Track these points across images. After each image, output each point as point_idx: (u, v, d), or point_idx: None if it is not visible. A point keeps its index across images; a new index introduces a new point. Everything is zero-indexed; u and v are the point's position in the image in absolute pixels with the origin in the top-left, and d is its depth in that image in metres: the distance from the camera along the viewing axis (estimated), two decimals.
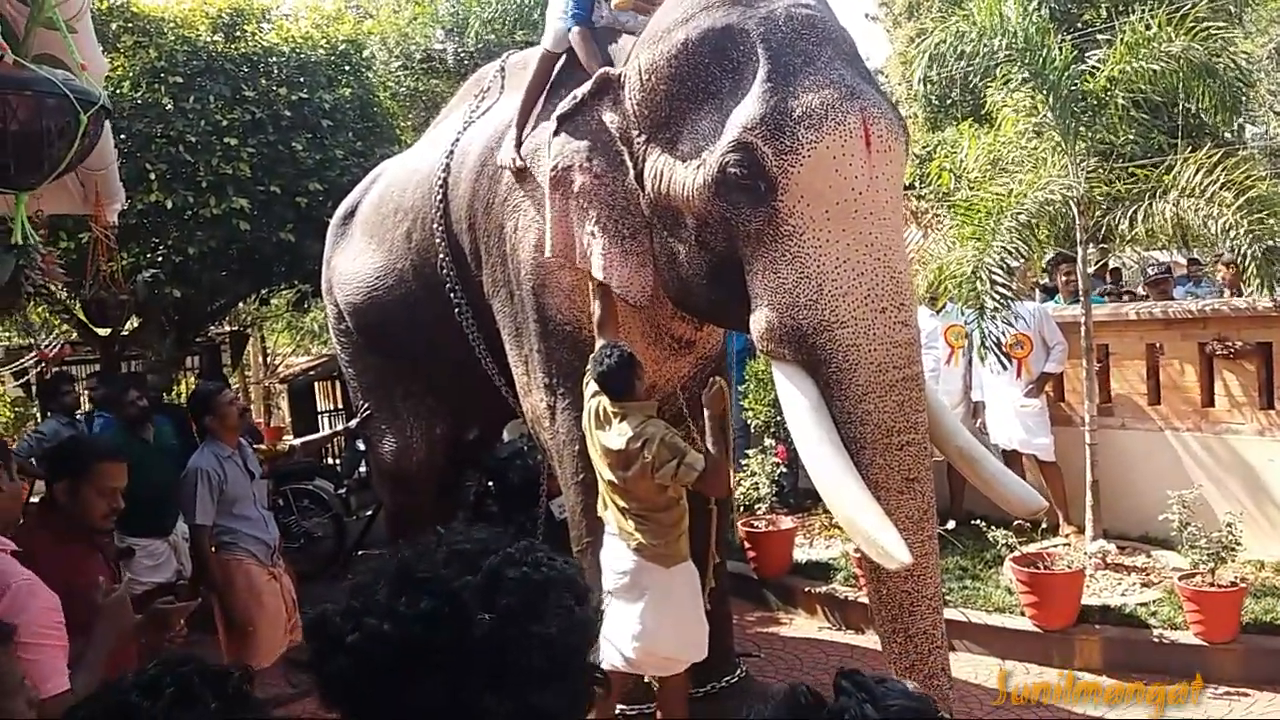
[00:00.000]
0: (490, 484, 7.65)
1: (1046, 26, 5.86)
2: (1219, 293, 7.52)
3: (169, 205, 7.23)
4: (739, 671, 4.73)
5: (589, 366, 3.84)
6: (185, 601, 2.93)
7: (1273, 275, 5.12)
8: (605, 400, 3.80)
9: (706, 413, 3.74)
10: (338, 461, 10.70)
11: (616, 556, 3.88)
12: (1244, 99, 7.03)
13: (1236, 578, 4.94)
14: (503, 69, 5.14)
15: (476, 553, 1.01)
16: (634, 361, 3.77)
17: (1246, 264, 5.15)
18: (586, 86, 3.93)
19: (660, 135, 3.67)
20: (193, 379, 10.55)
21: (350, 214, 5.86)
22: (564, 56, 4.38)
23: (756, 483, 6.68)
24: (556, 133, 3.96)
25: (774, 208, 3.32)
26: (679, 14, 3.62)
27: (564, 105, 3.97)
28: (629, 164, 3.82)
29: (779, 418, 6.94)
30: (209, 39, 7.74)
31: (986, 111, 6.90)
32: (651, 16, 3.98)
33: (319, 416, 12.65)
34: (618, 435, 3.71)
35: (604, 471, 3.83)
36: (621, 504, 3.80)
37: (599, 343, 3.93)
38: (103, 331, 8.75)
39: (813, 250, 3.28)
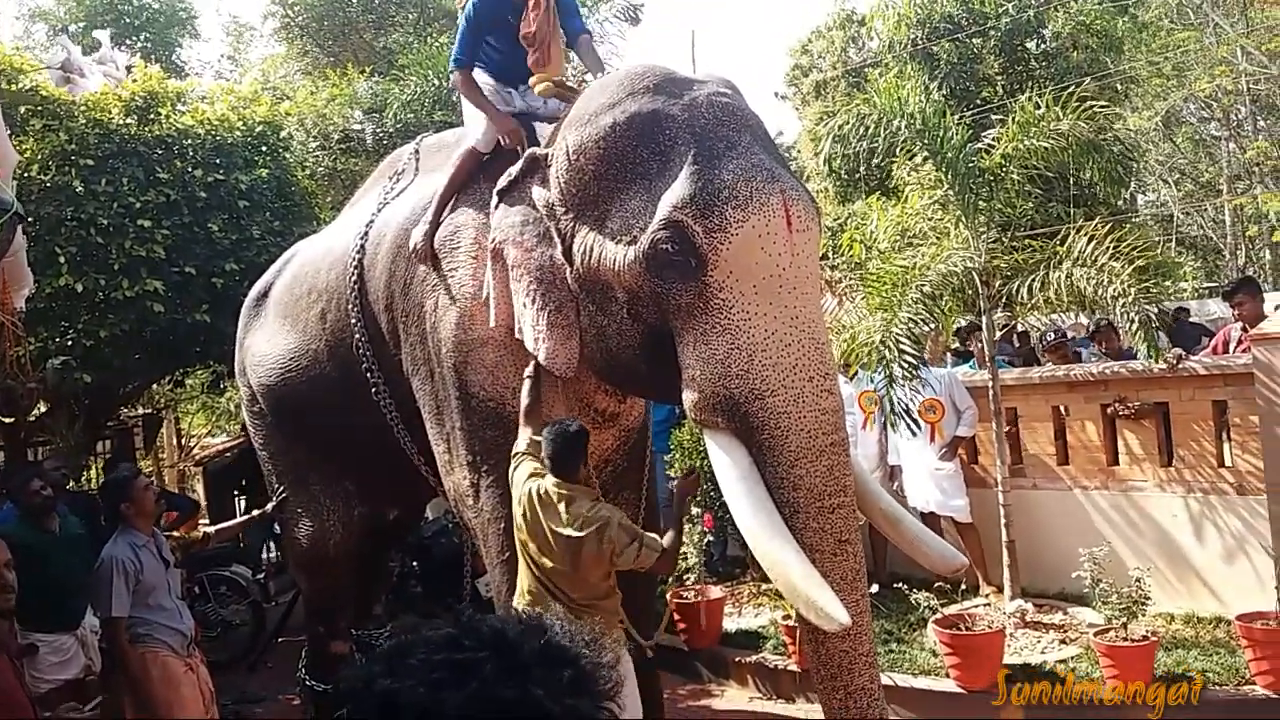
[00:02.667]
0: (415, 564, 7.54)
1: (943, 108, 6.15)
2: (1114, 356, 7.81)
3: (79, 289, 7.09)
4: None
5: (540, 441, 3.77)
6: (95, 701, 2.84)
7: (1156, 340, 5.37)
8: (549, 483, 3.68)
9: (676, 495, 3.90)
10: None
11: None
12: (1132, 170, 7.42)
13: (1148, 631, 5.08)
14: (417, 151, 5.21)
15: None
16: (587, 438, 3.78)
17: (1135, 330, 5.39)
18: (518, 165, 4.04)
19: (588, 213, 3.77)
20: (103, 465, 10.20)
21: (263, 295, 5.81)
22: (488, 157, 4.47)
23: (685, 553, 6.67)
24: (497, 206, 4.08)
25: (704, 282, 3.44)
26: (605, 99, 3.77)
27: (502, 181, 4.09)
28: (555, 239, 3.91)
29: (704, 486, 6.99)
30: (122, 122, 7.66)
31: (894, 185, 7.16)
32: (568, 103, 4.12)
33: (235, 498, 12.31)
34: (569, 522, 3.59)
35: (547, 562, 3.65)
36: (571, 596, 3.64)
37: (525, 428, 3.92)
38: (8, 419, 8.47)
39: (742, 323, 3.40)
